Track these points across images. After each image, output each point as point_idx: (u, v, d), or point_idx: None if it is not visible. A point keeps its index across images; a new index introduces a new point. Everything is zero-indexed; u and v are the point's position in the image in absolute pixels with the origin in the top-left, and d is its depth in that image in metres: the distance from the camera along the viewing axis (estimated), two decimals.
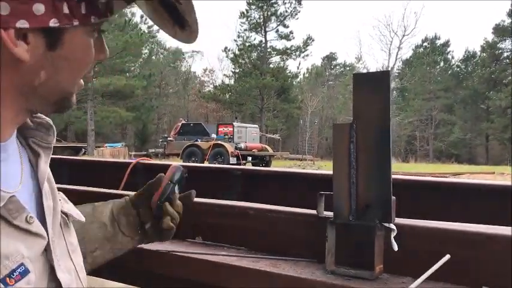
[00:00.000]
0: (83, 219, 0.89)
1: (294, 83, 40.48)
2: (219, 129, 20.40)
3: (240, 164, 17.10)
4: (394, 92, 35.31)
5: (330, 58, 42.77)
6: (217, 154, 18.24)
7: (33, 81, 0.66)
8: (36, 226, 0.69)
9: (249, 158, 18.84)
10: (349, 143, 1.08)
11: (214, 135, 19.44)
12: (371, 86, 1.08)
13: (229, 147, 18.22)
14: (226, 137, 19.49)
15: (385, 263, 1.08)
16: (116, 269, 1.29)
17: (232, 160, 17.54)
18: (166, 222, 1.08)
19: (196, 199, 1.46)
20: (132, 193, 1.16)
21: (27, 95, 0.67)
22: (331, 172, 1.14)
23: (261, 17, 37.90)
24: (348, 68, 42.06)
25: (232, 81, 39.74)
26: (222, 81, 41.29)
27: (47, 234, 0.72)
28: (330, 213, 1.16)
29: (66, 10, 0.62)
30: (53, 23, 0.62)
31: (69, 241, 0.80)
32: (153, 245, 1.32)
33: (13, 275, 0.62)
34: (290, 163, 22.27)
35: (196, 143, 19.16)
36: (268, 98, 35.86)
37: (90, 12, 0.65)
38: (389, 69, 36.40)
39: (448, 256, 0.98)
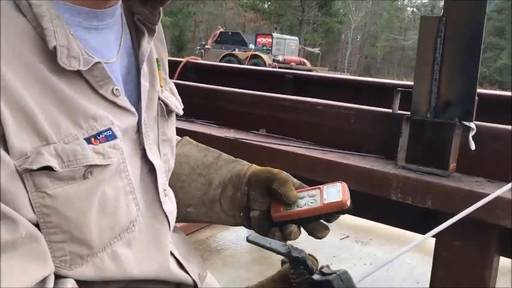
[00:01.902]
0: (181, 111, 0.82)
1: None
2: (258, 39, 19.97)
3: None
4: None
5: None
6: (254, 65, 18.03)
7: None
8: (123, 100, 0.67)
9: None
10: (436, 38, 1.03)
11: (252, 46, 19.09)
12: None
13: (267, 58, 17.94)
14: (264, 48, 19.12)
15: (457, 162, 1.07)
16: None
17: None
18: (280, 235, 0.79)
19: (259, 92, 1.47)
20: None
21: None
22: (384, 80, 1.11)
23: None
24: None
25: None
26: None
27: (141, 115, 0.71)
28: (404, 112, 1.14)
29: None
30: None
31: (162, 131, 0.77)
32: (221, 131, 1.35)
33: (99, 136, 0.61)
34: None
35: (233, 52, 18.91)
36: (309, 9, 34.48)
37: None
38: None
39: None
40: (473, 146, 1.02)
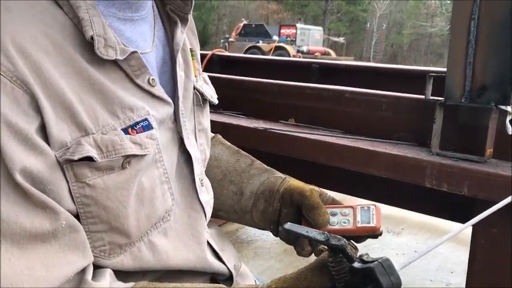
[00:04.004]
0: (215, 100, 0.83)
1: None
2: (281, 30, 19.86)
3: None
4: None
5: None
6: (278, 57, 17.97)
7: None
8: (159, 90, 0.67)
9: None
10: (469, 20, 1.00)
11: (276, 37, 18.99)
12: None
13: (291, 50, 17.82)
14: (288, 39, 19.00)
15: (494, 148, 1.04)
16: None
17: None
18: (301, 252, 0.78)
19: (286, 82, 1.46)
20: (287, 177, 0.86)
21: None
22: (412, 67, 1.08)
23: None
24: None
25: None
26: None
27: (178, 105, 0.71)
28: (437, 98, 1.12)
29: None
30: None
31: (198, 120, 0.78)
32: (249, 121, 1.35)
33: (136, 126, 0.62)
34: None
35: (257, 44, 18.84)
36: None
37: None
38: None
39: None
40: (510, 131, 0.99)
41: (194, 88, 0.79)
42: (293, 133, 1.20)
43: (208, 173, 0.85)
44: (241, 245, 2.17)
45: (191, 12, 0.77)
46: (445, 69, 1.10)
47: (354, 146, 1.10)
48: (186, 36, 0.80)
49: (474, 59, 1.01)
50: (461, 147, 1.04)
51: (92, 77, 0.60)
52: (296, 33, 19.30)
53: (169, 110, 0.70)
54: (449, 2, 33.80)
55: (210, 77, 1.56)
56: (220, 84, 1.62)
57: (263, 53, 18.19)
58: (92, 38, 0.58)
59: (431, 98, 1.11)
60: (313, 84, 1.40)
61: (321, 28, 21.20)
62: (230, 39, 20.22)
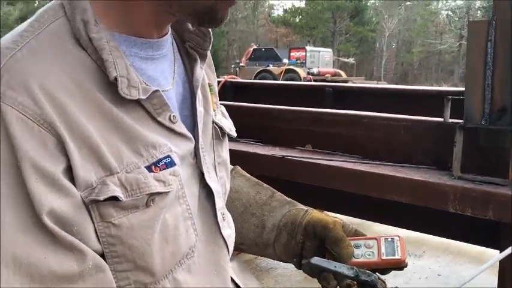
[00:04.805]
0: (234, 134, 0.83)
1: (369, 4, 38.35)
2: (291, 53, 20.00)
3: None
4: (479, 11, 32.53)
5: None
6: (289, 79, 18.05)
7: None
8: (180, 126, 0.68)
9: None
10: (486, 42, 1.00)
11: (286, 60, 19.12)
12: None
13: (302, 72, 17.91)
14: (298, 61, 19.11)
15: None
16: None
17: None
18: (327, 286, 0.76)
19: (303, 108, 1.46)
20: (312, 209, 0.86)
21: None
22: (427, 88, 1.08)
23: None
24: None
25: (302, 4, 38.35)
26: (292, 4, 39.97)
27: (197, 140, 0.72)
28: (456, 120, 1.11)
29: None
30: None
31: (217, 153, 0.78)
32: (266, 149, 1.35)
33: (159, 164, 0.62)
34: None
35: (267, 68, 18.99)
36: (340, 20, 34.36)
37: None
38: None
39: None
40: None
41: (213, 122, 0.79)
42: (311, 160, 1.20)
43: (229, 206, 0.85)
44: (261, 273, 2.14)
45: (210, 48, 0.78)
46: (460, 89, 1.09)
47: (374, 172, 1.09)
48: (204, 71, 0.81)
49: (492, 80, 1.00)
50: (483, 170, 1.03)
51: (116, 117, 0.60)
52: (306, 55, 19.42)
53: (190, 145, 0.70)
54: (457, 19, 33.87)
55: (225, 105, 1.57)
56: (236, 112, 1.63)
57: (274, 76, 18.33)
58: (115, 78, 0.59)
59: (451, 121, 1.10)
60: (329, 109, 1.40)
61: (330, 50, 21.33)
62: (241, 64, 20.42)
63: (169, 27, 0.73)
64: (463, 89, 1.08)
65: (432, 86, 29.62)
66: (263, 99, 2.72)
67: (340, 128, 1.32)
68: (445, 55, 35.84)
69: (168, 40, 0.73)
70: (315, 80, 17.54)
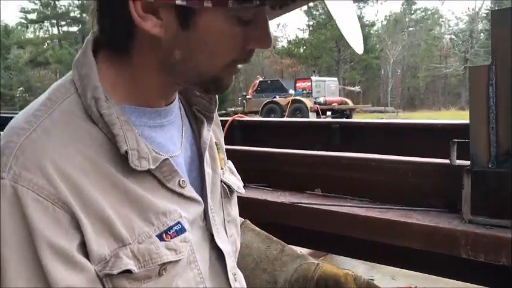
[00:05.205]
0: (243, 191, 0.86)
1: (372, 31, 38.83)
2: (297, 84, 20.19)
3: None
4: (482, 34, 32.74)
5: (409, 3, 40.28)
6: (296, 110, 18.14)
7: (168, 59, 0.63)
8: (189, 191, 0.70)
9: (329, 113, 18.57)
10: (487, 86, 1.02)
11: (292, 91, 19.28)
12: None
13: (308, 102, 18.02)
14: (304, 92, 19.26)
15: None
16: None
17: (312, 115, 17.36)
18: None
19: (311, 152, 1.47)
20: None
21: (167, 71, 0.66)
22: (435, 121, 1.09)
23: None
24: (429, 12, 39.44)
25: (306, 35, 38.95)
26: (296, 35, 40.55)
27: (206, 202, 0.74)
28: (463, 162, 1.12)
29: None
30: (180, 0, 0.57)
31: (226, 212, 0.80)
32: (275, 195, 1.36)
33: (169, 231, 0.64)
34: (371, 116, 21.69)
35: (274, 99, 19.14)
36: (344, 49, 34.72)
37: None
38: (477, 10, 33.68)
39: None
40: None
41: (221, 181, 0.81)
42: (322, 207, 1.20)
43: (240, 262, 0.86)
44: None
45: (216, 110, 0.81)
46: (465, 122, 1.10)
47: (383, 218, 1.09)
48: (211, 131, 0.83)
49: (497, 124, 1.01)
50: (494, 212, 1.03)
51: (127, 188, 0.62)
52: (311, 85, 19.59)
53: (200, 209, 0.72)
54: (461, 42, 34.09)
55: (231, 150, 1.59)
56: (243, 156, 1.65)
57: (281, 107, 18.44)
58: (126, 152, 0.61)
59: (458, 163, 1.11)
60: (336, 152, 1.41)
61: (335, 79, 21.49)
62: (247, 96, 20.61)
63: (177, 93, 0.76)
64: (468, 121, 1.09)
65: (440, 109, 29.50)
66: (270, 137, 2.74)
67: (348, 172, 1.33)
68: (451, 78, 35.90)
69: (176, 106, 0.75)
70: (322, 109, 17.64)
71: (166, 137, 0.71)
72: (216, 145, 0.85)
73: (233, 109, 20.38)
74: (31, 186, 0.56)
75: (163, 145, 0.70)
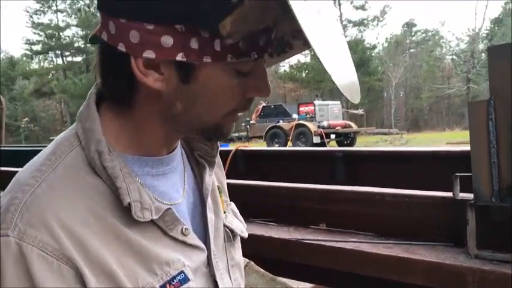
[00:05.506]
0: (246, 235, 0.87)
1: (373, 54, 39.17)
2: (300, 108, 20.29)
3: (324, 143, 16.93)
4: (483, 54, 32.93)
5: (410, 25, 40.73)
6: (300, 134, 18.19)
7: (170, 110, 0.65)
8: (192, 238, 0.71)
9: (333, 136, 18.60)
10: (487, 121, 1.02)
11: (295, 116, 19.37)
12: (509, 59, 1.01)
13: (312, 126, 18.07)
14: (307, 116, 19.35)
15: None
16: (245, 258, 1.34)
17: (316, 139, 17.40)
18: None
19: (314, 185, 1.48)
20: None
21: (169, 121, 0.67)
22: (438, 148, 1.09)
23: None
24: (430, 34, 39.83)
25: (308, 59, 39.30)
26: (298, 59, 40.94)
27: (209, 248, 0.75)
28: (466, 195, 1.11)
29: (195, 46, 0.59)
30: (180, 57, 0.59)
31: (230, 256, 0.81)
32: (280, 232, 1.35)
33: (173, 281, 0.65)
34: (376, 138, 21.68)
35: (278, 124, 19.22)
36: None
37: (226, 50, 0.59)
38: (477, 30, 33.96)
39: None
40: None
41: (224, 225, 0.82)
42: (327, 243, 1.20)
43: None
44: None
45: (217, 155, 0.82)
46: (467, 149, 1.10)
47: (389, 255, 1.09)
48: (214, 175, 0.84)
49: (498, 158, 1.01)
50: (500, 247, 1.02)
51: (130, 239, 0.63)
52: (315, 109, 19.67)
53: (203, 256, 0.73)
54: (462, 63, 34.28)
55: (235, 184, 1.59)
56: (247, 190, 1.66)
57: (284, 132, 18.50)
58: (129, 203, 0.62)
59: (461, 197, 1.10)
60: (338, 186, 1.42)
61: (338, 102, 21.56)
62: (251, 122, 20.71)
63: (179, 140, 0.77)
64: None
65: (444, 130, 29.44)
66: (274, 166, 2.74)
67: (352, 206, 1.33)
68: (455, 98, 35.97)
69: (178, 152, 0.76)
70: (326, 133, 17.66)
71: (169, 184, 0.72)
72: (218, 188, 0.86)
73: (237, 134, 20.46)
74: (36, 243, 0.56)
75: (165, 193, 0.71)
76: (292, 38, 0.71)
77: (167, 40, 0.59)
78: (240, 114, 0.70)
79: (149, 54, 0.60)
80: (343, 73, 0.64)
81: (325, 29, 0.65)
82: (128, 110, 0.67)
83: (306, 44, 0.69)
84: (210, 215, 0.77)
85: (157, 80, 0.62)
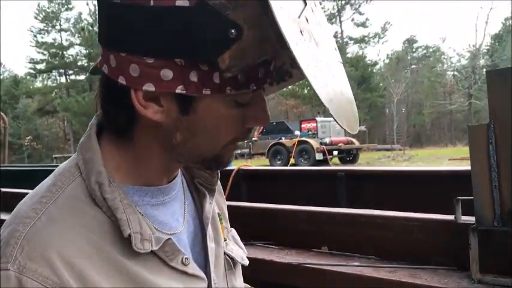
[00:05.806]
0: (246, 262, 0.87)
1: (374, 70, 39.35)
2: (302, 125, 20.33)
3: (326, 160, 16.92)
4: (484, 69, 33.00)
5: (410, 41, 41.01)
6: (302, 151, 18.19)
7: (170, 141, 0.66)
8: (193, 268, 0.71)
9: (335, 153, 18.58)
10: (487, 145, 1.02)
11: (297, 132, 19.39)
12: (508, 83, 1.02)
13: (314, 143, 18.08)
14: (310, 133, 19.37)
15: None
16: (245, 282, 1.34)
17: (318, 156, 17.39)
18: None
19: (317, 208, 1.47)
20: None
21: (169, 152, 0.68)
22: (440, 168, 1.09)
23: (335, 7, 37.41)
24: (431, 50, 40.06)
25: None
26: None
27: (210, 276, 0.74)
28: (468, 218, 1.11)
29: (194, 78, 0.59)
30: (179, 89, 0.59)
31: (231, 284, 0.81)
32: (281, 254, 1.35)
33: None
34: (378, 154, 21.65)
35: (280, 141, 19.23)
36: None
37: (225, 82, 0.60)
38: (478, 46, 34.13)
39: None
40: None
41: (225, 253, 0.82)
42: (329, 268, 1.19)
43: None
44: None
45: (218, 182, 0.82)
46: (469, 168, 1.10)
47: (392, 280, 1.08)
48: (214, 201, 0.84)
49: (499, 182, 1.01)
50: (504, 271, 1.01)
51: (131, 271, 0.63)
52: (317, 126, 19.70)
53: (203, 285, 0.73)
54: (464, 78, 34.39)
55: (236, 206, 1.58)
56: (249, 213, 1.65)
57: (287, 149, 18.49)
58: (129, 235, 0.62)
59: (463, 221, 1.10)
60: (340, 209, 1.41)
61: None
62: (253, 139, 20.71)
63: (179, 169, 0.77)
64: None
65: (447, 145, 29.37)
66: (276, 186, 2.74)
67: (354, 229, 1.33)
68: (457, 114, 35.97)
69: (178, 181, 0.77)
70: (328, 150, 17.64)
71: (169, 213, 0.72)
72: (219, 215, 0.86)
73: (239, 151, 20.44)
74: (36, 277, 0.56)
75: (165, 223, 0.71)
76: (291, 66, 0.72)
77: (167, 73, 0.59)
78: (239, 143, 0.70)
79: (149, 87, 0.60)
80: (340, 102, 0.65)
81: (322, 58, 0.65)
82: (128, 141, 0.67)
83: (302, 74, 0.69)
84: (211, 244, 0.77)
85: (157, 112, 0.63)
